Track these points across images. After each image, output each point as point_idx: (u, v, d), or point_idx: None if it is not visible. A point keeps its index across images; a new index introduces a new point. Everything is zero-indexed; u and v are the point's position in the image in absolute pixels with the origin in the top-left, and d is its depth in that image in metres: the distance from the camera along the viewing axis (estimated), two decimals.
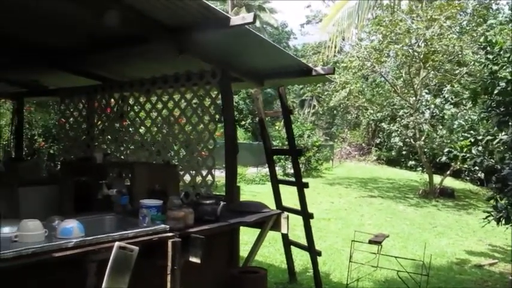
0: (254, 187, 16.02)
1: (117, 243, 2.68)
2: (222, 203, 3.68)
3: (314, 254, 5.71)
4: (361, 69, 17.20)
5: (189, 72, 4.93)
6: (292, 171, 19.72)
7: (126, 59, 5.19)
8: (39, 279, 2.84)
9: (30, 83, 7.04)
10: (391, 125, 18.43)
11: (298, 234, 7.15)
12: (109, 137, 6.13)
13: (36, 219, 2.65)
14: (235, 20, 3.73)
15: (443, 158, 12.90)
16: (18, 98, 7.65)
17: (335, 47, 7.81)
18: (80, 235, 2.66)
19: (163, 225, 3.08)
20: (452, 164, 15.97)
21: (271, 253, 7.44)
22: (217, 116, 4.95)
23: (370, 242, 6.10)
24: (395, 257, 6.13)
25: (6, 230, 2.67)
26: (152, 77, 5.31)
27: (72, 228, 2.65)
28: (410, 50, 15.50)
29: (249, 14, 3.76)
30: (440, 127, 15.28)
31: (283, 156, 18.52)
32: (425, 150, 16.54)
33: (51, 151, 10.31)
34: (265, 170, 20.00)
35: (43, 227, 2.63)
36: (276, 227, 4.57)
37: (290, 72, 5.25)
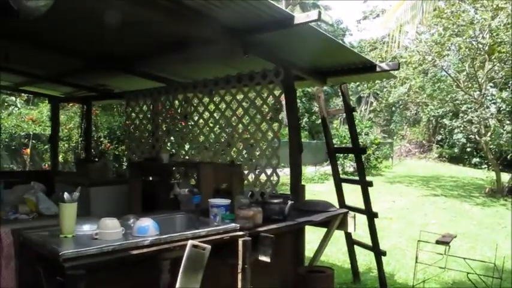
0: (313, 186, 15.93)
1: (190, 242, 2.73)
2: (289, 202, 3.67)
3: (379, 254, 5.59)
4: (421, 64, 16.64)
5: (252, 71, 4.96)
6: (351, 169, 19.56)
7: (190, 61, 5.28)
8: (117, 275, 2.95)
9: (98, 87, 7.33)
10: (454, 120, 17.76)
11: (359, 233, 7.02)
12: (172, 138, 6.27)
13: (114, 218, 2.74)
14: (299, 18, 3.71)
15: None
16: (87, 101, 7.98)
17: (397, 42, 7.61)
18: (155, 233, 2.73)
19: (233, 224, 3.11)
20: None
21: (333, 252, 7.36)
22: (280, 116, 4.96)
23: (438, 242, 5.88)
24: (464, 258, 5.89)
25: (87, 227, 2.78)
26: (215, 78, 5.40)
27: (147, 226, 2.72)
28: (474, 42, 14.84)
29: (313, 11, 3.72)
30: (508, 122, 14.54)
31: (341, 155, 18.32)
32: (492, 146, 15.79)
33: (116, 152, 10.70)
34: (324, 168, 19.90)
35: (120, 226, 2.72)
36: (342, 226, 4.51)
37: (353, 69, 5.17)
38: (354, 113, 5.65)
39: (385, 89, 20.39)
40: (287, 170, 4.88)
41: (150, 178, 6.04)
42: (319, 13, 3.65)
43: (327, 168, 20.14)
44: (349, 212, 4.55)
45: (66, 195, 2.73)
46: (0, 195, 4.22)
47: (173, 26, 3.96)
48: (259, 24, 3.87)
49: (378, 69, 5.00)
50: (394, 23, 7.19)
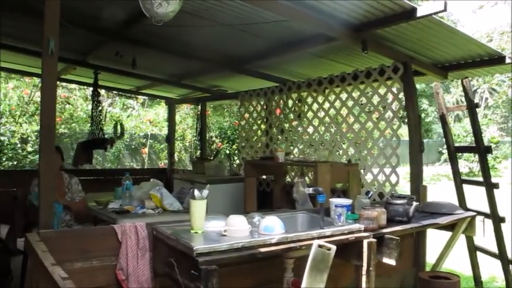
0: None
1: (316, 241, 2.70)
2: (414, 203, 3.50)
3: (507, 262, 5.16)
4: None
5: (368, 68, 4.83)
6: (465, 170, 18.36)
7: (304, 60, 5.27)
8: (241, 272, 3.01)
9: (212, 88, 7.60)
10: None
11: (479, 238, 6.54)
12: (286, 136, 6.30)
13: (241, 215, 2.79)
14: (423, 10, 3.56)
15: None
16: (202, 102, 8.31)
17: None
18: (280, 232, 2.73)
19: (357, 225, 3.02)
20: None
21: (450, 258, 6.92)
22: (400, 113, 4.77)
23: None
24: None
25: (214, 224, 2.85)
26: (329, 76, 5.33)
27: (274, 225, 2.73)
28: None
29: (438, 1, 3.53)
30: None
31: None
32: None
33: (227, 151, 11.03)
34: (436, 169, 18.94)
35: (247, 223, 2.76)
36: (469, 230, 4.24)
37: (477, 62, 4.84)
38: (479, 107, 5.28)
39: (504, 83, 18.86)
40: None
41: (264, 177, 6.13)
42: (445, 4, 3.46)
43: (439, 169, 19.15)
44: (478, 215, 4.25)
45: (196, 192, 2.82)
46: (130, 190, 4.50)
47: (289, 25, 3.96)
48: (378, 19, 3.75)
49: (508, 60, 4.62)
50: None
